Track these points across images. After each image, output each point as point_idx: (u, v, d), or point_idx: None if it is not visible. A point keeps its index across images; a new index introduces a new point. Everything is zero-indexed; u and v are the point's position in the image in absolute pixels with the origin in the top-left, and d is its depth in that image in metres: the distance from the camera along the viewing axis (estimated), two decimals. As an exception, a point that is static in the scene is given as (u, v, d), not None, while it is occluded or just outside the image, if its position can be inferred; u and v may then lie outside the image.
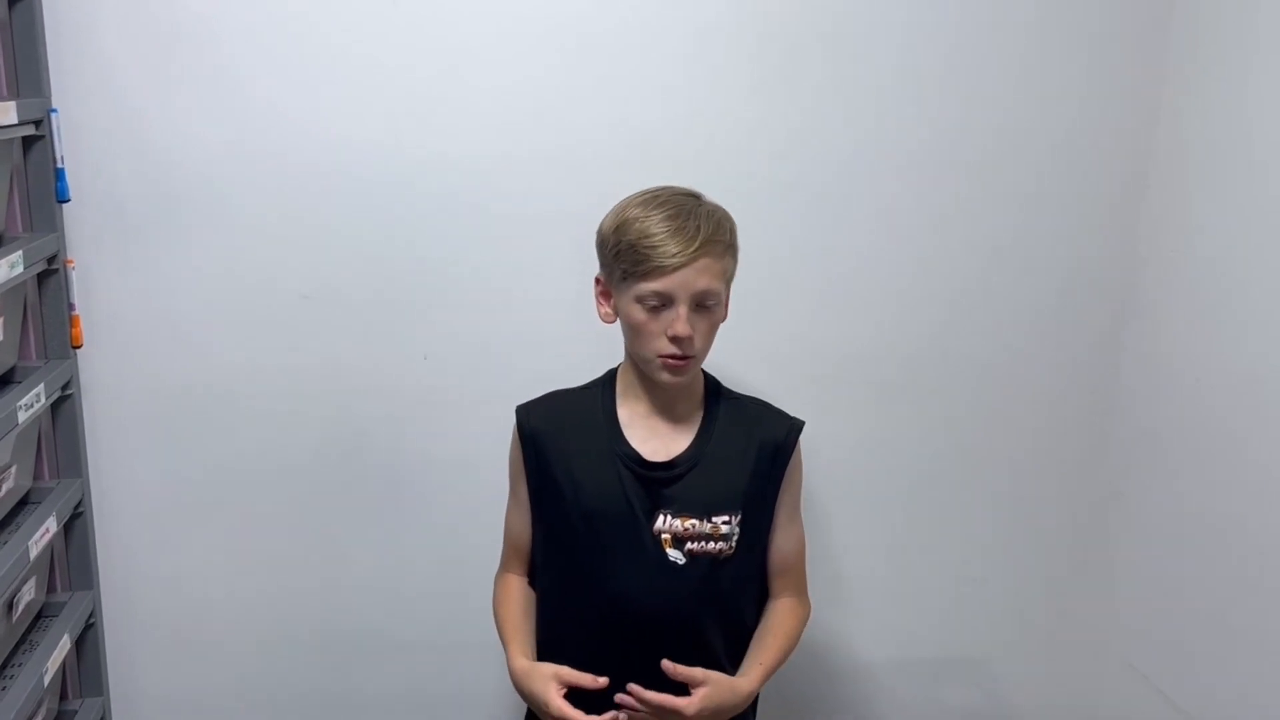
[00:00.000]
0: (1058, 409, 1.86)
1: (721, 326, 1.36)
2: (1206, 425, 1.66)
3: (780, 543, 1.45)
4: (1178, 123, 1.72)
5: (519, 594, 1.46)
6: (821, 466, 1.72)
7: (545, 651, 1.41)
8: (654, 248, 1.27)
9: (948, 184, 1.74)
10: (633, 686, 1.25)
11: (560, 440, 1.40)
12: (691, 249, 1.26)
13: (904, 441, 1.85)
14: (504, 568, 1.50)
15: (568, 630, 1.41)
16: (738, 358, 1.53)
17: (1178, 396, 1.71)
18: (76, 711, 1.67)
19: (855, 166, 1.72)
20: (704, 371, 1.43)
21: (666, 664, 1.26)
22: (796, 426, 1.44)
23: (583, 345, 1.49)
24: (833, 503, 1.85)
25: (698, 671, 1.27)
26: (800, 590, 1.48)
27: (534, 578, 1.47)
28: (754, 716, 1.48)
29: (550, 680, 1.28)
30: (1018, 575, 1.93)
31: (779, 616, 1.44)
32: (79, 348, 1.60)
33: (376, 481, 1.77)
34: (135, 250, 1.63)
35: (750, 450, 1.40)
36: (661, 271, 1.27)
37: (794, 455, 1.44)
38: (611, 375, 1.45)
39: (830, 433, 1.69)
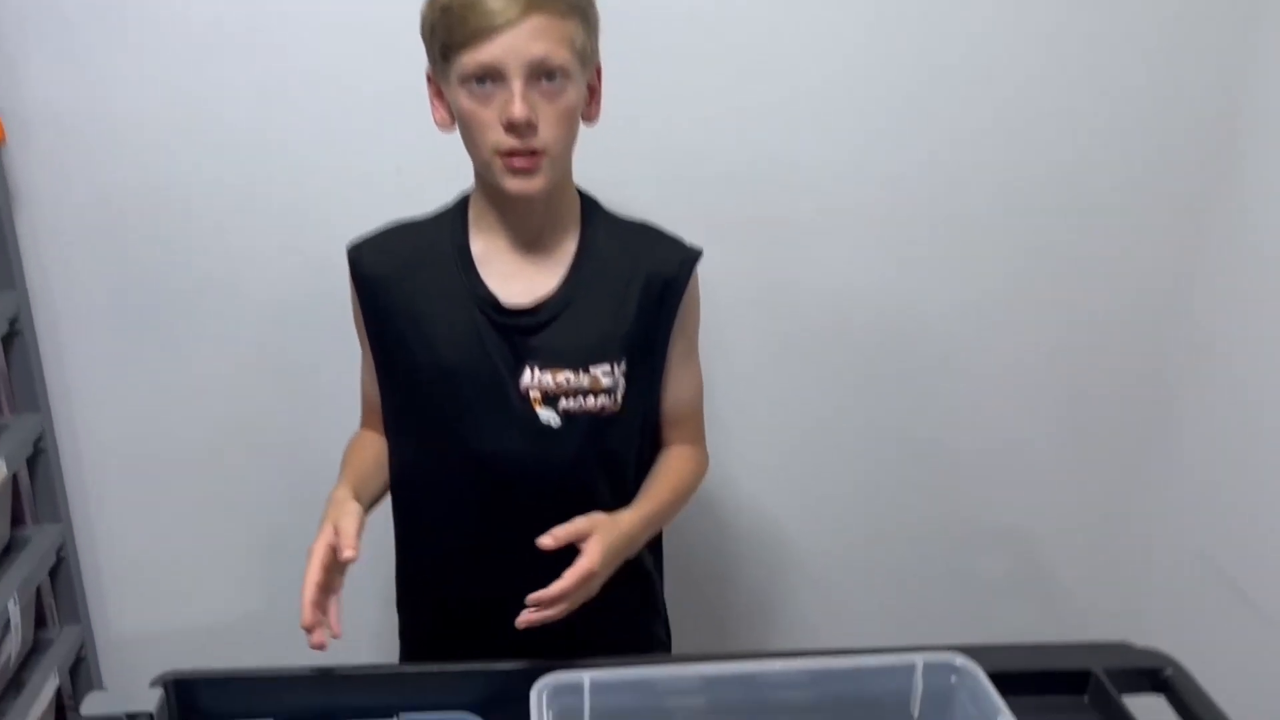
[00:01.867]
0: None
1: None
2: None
3: (674, 389, 1.24)
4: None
5: (371, 444, 1.24)
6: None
7: (408, 526, 1.27)
8: (471, 6, 1.02)
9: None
10: (532, 596, 1.02)
11: (403, 285, 1.17)
12: (519, 5, 1.01)
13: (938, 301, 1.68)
14: (362, 424, 1.29)
15: (432, 505, 1.23)
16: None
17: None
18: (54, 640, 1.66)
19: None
20: (581, 192, 1.20)
21: (544, 541, 1.03)
22: (691, 256, 1.20)
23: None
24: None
25: (578, 522, 1.05)
26: (696, 439, 1.28)
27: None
28: (658, 576, 1.33)
29: (338, 519, 1.04)
30: (1078, 452, 1.77)
31: (670, 461, 1.24)
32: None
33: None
34: (74, 43, 1.47)
35: (635, 286, 1.17)
36: (482, 35, 1.02)
37: (689, 290, 1.20)
38: (463, 202, 1.20)
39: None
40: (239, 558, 1.75)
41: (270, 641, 1.45)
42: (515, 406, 1.15)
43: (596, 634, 1.10)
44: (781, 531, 1.80)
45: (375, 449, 1.24)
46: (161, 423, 1.66)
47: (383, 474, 1.22)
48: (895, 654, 1.02)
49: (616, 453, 1.20)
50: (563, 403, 1.15)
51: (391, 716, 1.05)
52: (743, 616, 1.86)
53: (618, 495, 1.20)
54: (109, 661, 1.78)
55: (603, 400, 1.15)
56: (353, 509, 1.05)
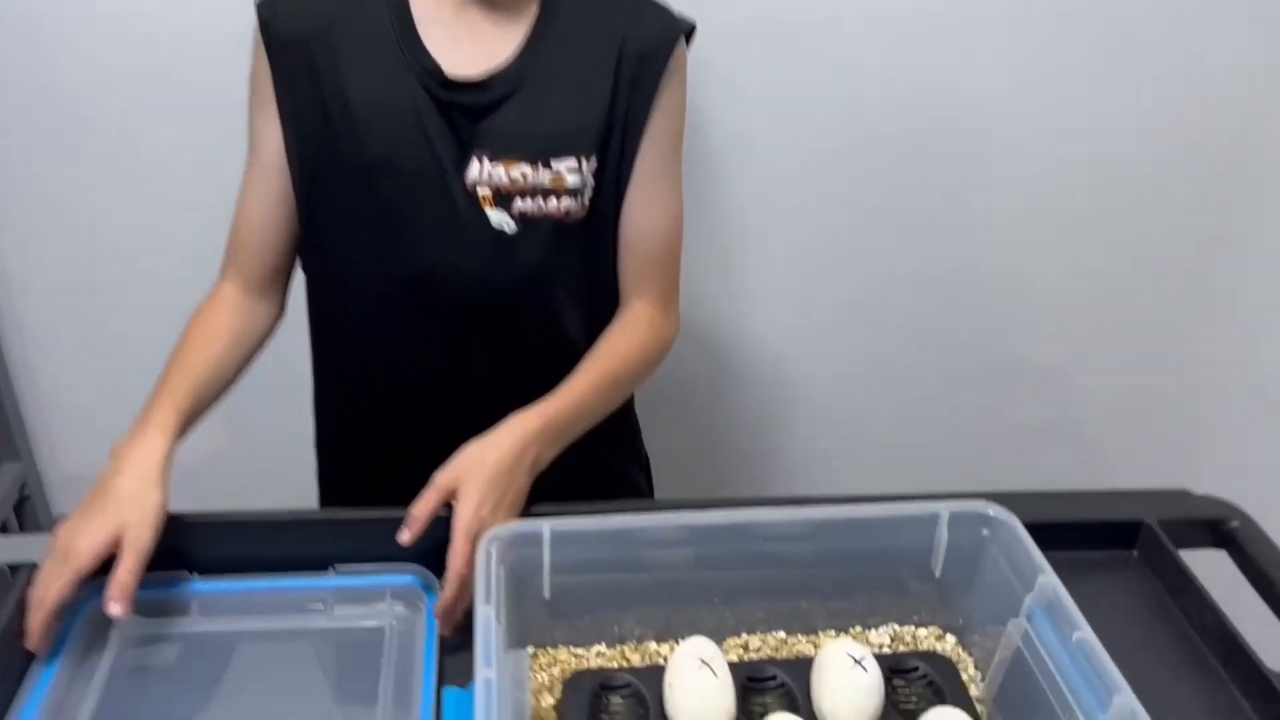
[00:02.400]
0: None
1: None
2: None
3: (640, 216, 1.00)
4: None
5: (214, 337, 0.97)
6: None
7: (330, 360, 1.08)
8: None
9: None
10: (438, 612, 0.83)
11: (325, 51, 0.93)
12: None
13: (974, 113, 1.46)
14: (222, 275, 1.02)
15: (360, 334, 1.03)
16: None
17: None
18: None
19: None
20: None
21: (403, 538, 0.85)
22: (677, 28, 0.97)
23: None
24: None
25: (431, 495, 0.85)
26: (664, 297, 1.04)
27: (265, 285, 1.02)
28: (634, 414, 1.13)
29: (124, 532, 0.80)
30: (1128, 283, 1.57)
31: (617, 336, 1.00)
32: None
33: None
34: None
35: (608, 59, 0.94)
36: None
37: (672, 72, 0.96)
38: None
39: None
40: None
41: (220, 480, 1.31)
42: (460, 207, 0.94)
43: (561, 479, 0.93)
44: (786, 365, 1.60)
45: (217, 345, 0.97)
46: (104, 250, 1.49)
47: (221, 383, 0.96)
48: (915, 502, 0.85)
49: (583, 270, 1.00)
50: (518, 204, 0.95)
51: (326, 568, 0.90)
52: (738, 463, 1.69)
53: (585, 324, 1.02)
54: (61, 502, 1.66)
55: (567, 203, 0.95)
56: (147, 519, 0.81)
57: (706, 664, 0.76)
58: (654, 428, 1.21)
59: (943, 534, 0.84)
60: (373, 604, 0.88)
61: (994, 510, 0.84)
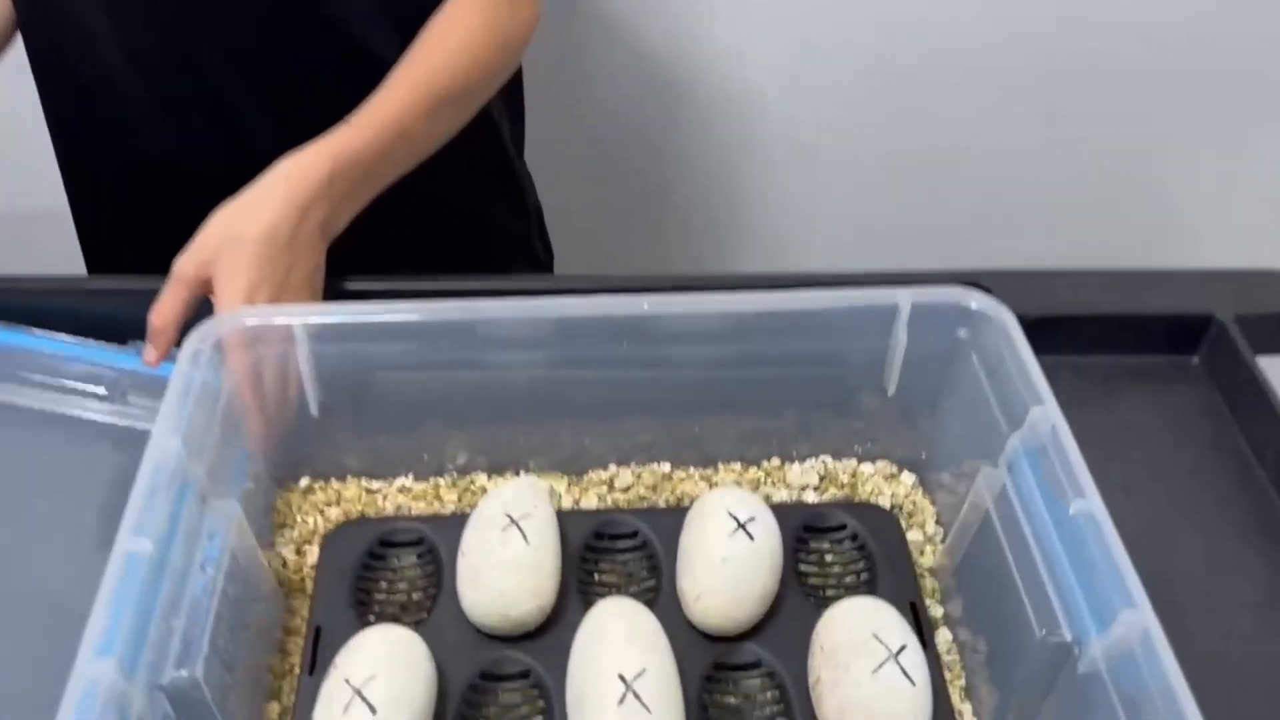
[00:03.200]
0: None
1: None
2: None
3: None
4: None
5: None
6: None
7: (50, 72, 0.78)
8: None
9: None
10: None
11: None
12: None
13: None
14: None
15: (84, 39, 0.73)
16: None
17: None
18: None
19: None
20: None
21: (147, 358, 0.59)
22: None
23: None
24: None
25: (175, 291, 0.59)
26: None
27: None
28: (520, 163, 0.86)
29: None
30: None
31: (432, 33, 0.70)
32: None
33: None
34: None
35: None
36: None
37: None
38: None
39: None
40: None
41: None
42: None
43: (416, 234, 0.66)
44: (739, 118, 1.23)
45: None
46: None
47: None
48: (868, 290, 0.57)
49: None
50: None
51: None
52: (666, 238, 1.33)
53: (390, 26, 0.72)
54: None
55: None
56: None
57: (515, 523, 0.51)
58: (570, 183, 0.92)
59: (900, 334, 0.57)
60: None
61: (977, 301, 0.55)
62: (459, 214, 0.82)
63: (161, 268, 0.60)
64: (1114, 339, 0.70)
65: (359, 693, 0.45)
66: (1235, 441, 0.66)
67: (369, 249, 0.67)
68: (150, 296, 0.59)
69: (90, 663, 0.40)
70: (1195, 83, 1.19)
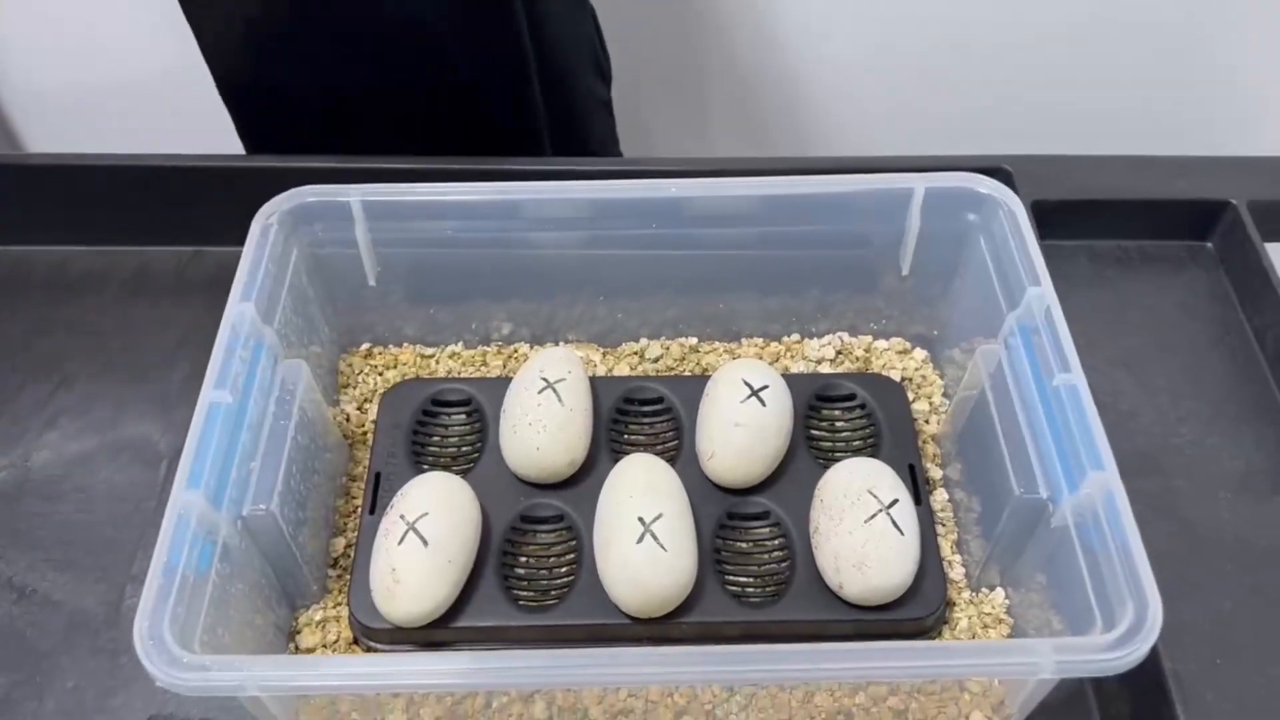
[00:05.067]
0: None
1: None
2: None
3: None
4: None
5: None
6: None
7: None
8: None
9: None
10: None
11: None
12: None
13: None
14: None
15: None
16: None
17: None
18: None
19: None
20: None
21: None
22: None
23: None
24: None
25: None
26: None
27: None
28: None
29: None
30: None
31: None
32: None
33: None
34: None
35: None
36: None
37: None
38: None
39: None
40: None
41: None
42: None
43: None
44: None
45: None
46: None
47: None
48: (884, 175, 0.60)
49: None
50: None
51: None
52: (704, 121, 1.35)
53: None
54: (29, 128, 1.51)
55: None
56: None
57: (551, 386, 0.57)
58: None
59: (914, 218, 0.61)
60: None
61: (986, 186, 0.59)
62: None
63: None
64: (1131, 223, 0.73)
65: (413, 527, 0.51)
66: (1239, 324, 0.69)
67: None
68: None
69: (183, 493, 0.47)
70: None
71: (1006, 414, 0.53)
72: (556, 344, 0.67)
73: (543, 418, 0.56)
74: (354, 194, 0.59)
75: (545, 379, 0.57)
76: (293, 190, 0.59)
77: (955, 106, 1.26)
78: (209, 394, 0.51)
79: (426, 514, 0.52)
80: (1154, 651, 0.47)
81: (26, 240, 0.76)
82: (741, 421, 0.56)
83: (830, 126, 1.30)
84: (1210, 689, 0.52)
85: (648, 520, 0.51)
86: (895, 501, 0.52)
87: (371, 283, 0.63)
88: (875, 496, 0.52)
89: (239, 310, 0.54)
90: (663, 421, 0.61)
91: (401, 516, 0.52)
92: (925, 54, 1.23)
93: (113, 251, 0.76)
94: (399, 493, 0.54)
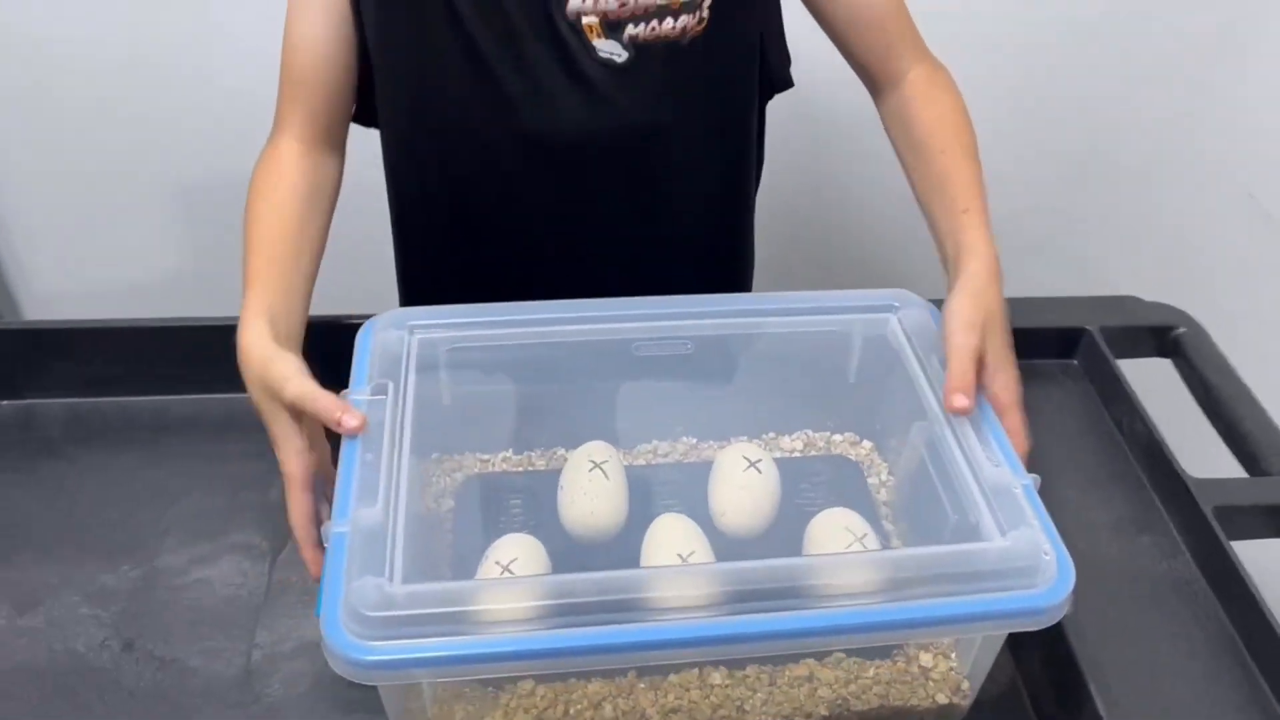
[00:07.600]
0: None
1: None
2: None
3: None
4: None
5: (286, 198, 0.82)
6: None
7: (407, 210, 0.97)
8: None
9: None
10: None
11: None
12: None
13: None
14: (277, 129, 0.86)
15: (446, 182, 0.93)
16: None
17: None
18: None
19: None
20: None
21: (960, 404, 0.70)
22: None
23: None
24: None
25: (959, 345, 0.71)
26: (921, 47, 0.89)
27: (329, 136, 0.87)
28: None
29: (297, 396, 0.68)
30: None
31: (933, 114, 0.85)
32: None
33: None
34: None
35: None
36: None
37: None
38: None
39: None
40: (156, 207, 1.58)
41: (194, 295, 1.30)
42: (565, 39, 0.82)
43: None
44: None
45: (295, 208, 0.82)
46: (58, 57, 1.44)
47: (311, 259, 0.81)
48: (827, 316, 0.81)
49: (711, 95, 0.88)
50: (630, 29, 0.82)
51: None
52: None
53: (725, 142, 0.92)
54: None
55: (684, 20, 0.82)
56: (291, 368, 0.69)
57: (598, 466, 0.75)
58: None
59: (856, 343, 0.82)
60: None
61: (904, 302, 0.80)
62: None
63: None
64: (1017, 346, 0.94)
65: (506, 569, 0.68)
66: (1103, 422, 0.91)
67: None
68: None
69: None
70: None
71: (938, 464, 0.72)
72: (587, 447, 0.85)
73: (594, 489, 0.74)
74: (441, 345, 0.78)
75: (592, 460, 0.75)
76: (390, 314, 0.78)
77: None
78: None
79: (515, 559, 0.68)
80: (1068, 644, 0.65)
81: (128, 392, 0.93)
82: (744, 485, 0.74)
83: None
84: (1111, 668, 0.70)
85: (684, 555, 0.68)
86: (865, 535, 0.71)
87: (446, 401, 0.81)
88: (850, 531, 0.71)
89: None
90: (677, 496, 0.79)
91: (496, 562, 0.68)
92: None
93: (204, 400, 0.93)
94: (492, 545, 0.70)
